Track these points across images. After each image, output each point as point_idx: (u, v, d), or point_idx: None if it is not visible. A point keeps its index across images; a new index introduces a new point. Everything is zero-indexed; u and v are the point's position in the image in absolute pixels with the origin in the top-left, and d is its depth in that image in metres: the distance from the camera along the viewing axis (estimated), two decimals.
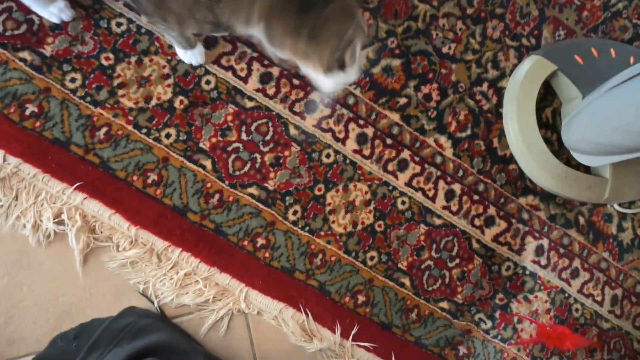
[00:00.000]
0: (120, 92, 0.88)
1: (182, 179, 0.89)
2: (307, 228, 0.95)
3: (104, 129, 0.87)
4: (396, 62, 1.04)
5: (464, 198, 1.05)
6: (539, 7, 1.16)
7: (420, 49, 1.06)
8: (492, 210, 1.06)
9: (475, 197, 1.06)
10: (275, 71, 0.95)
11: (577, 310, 1.08)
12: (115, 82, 0.88)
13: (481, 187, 1.06)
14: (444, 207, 1.03)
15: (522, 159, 1.08)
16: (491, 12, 1.12)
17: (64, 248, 0.84)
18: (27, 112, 0.84)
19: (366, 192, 0.99)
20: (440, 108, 1.06)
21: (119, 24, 0.89)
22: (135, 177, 0.87)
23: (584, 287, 1.09)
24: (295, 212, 0.94)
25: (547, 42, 1.16)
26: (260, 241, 0.92)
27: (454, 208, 1.04)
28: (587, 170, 1.12)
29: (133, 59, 0.89)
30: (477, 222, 1.05)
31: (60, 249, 0.84)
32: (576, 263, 1.10)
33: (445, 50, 1.08)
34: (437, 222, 1.03)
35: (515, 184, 1.09)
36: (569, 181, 1.09)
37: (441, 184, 1.04)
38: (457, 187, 1.05)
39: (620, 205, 1.14)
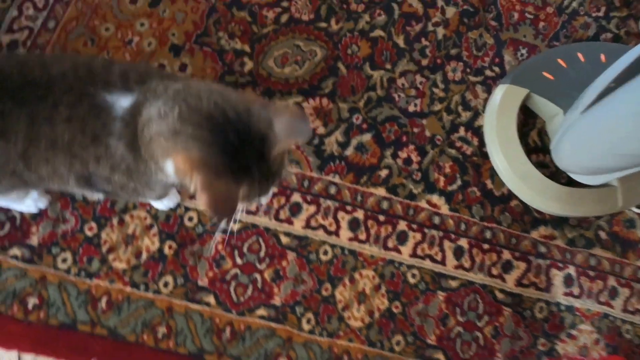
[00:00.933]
0: (111, 256, 0.90)
1: (190, 323, 0.90)
2: (324, 333, 0.93)
3: (104, 299, 0.88)
4: (367, 137, 1.04)
5: (474, 251, 1.02)
6: (492, 34, 1.14)
7: (386, 115, 1.05)
8: (506, 254, 1.03)
9: (486, 246, 1.02)
10: None
11: (627, 331, 1.02)
12: (104, 249, 0.90)
13: (488, 234, 1.03)
14: (457, 267, 1.00)
15: (520, 192, 1.05)
16: (446, 55, 1.11)
17: None
18: (30, 306, 0.86)
19: (373, 277, 0.97)
20: (424, 168, 1.04)
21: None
22: (145, 336, 0.88)
23: (627, 304, 1.03)
24: (308, 321, 0.93)
25: (512, 66, 1.13)
26: None
27: (467, 264, 1.01)
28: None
29: (115, 221, 0.92)
30: (494, 271, 1.01)
31: None
32: (611, 281, 1.04)
33: (411, 108, 1.07)
34: (454, 284, 0.99)
35: (522, 220, 1.05)
36: (575, 200, 1.05)
37: (447, 244, 1.01)
38: (464, 242, 1.02)
39: (638, 207, 1.09)
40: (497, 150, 1.05)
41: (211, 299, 0.91)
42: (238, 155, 0.57)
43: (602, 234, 1.06)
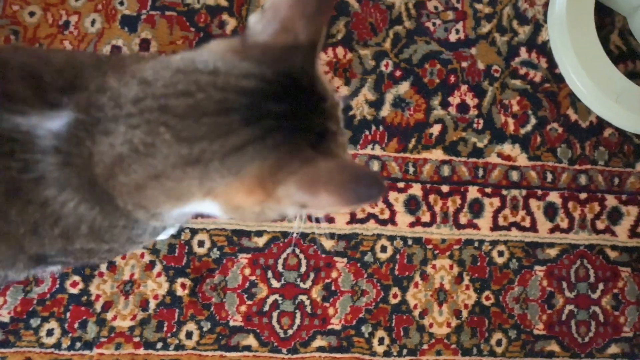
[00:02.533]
0: (110, 314, 0.68)
1: None
2: (404, 351, 0.72)
3: None
4: (404, 87, 0.78)
5: (570, 205, 0.78)
6: None
7: (423, 53, 0.79)
8: (611, 201, 0.79)
9: (583, 196, 0.79)
10: None
11: None
12: (98, 307, 0.68)
13: (584, 180, 0.79)
14: (552, 230, 0.77)
15: (615, 116, 0.80)
16: None
17: None
18: None
19: (451, 266, 0.75)
20: (485, 112, 0.79)
21: None
22: None
23: None
24: (381, 340, 0.72)
25: None
26: None
27: (564, 224, 0.78)
28: None
29: (103, 267, 0.69)
30: (600, 225, 0.78)
31: None
32: None
33: (453, 37, 0.81)
34: (553, 253, 0.77)
35: (622, 152, 0.81)
36: None
37: (534, 203, 0.77)
38: (555, 197, 0.78)
39: None
40: (575, 68, 0.79)
41: (252, 341, 0.70)
42: (294, 116, 0.35)
43: None
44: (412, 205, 0.75)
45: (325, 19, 0.37)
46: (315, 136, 0.35)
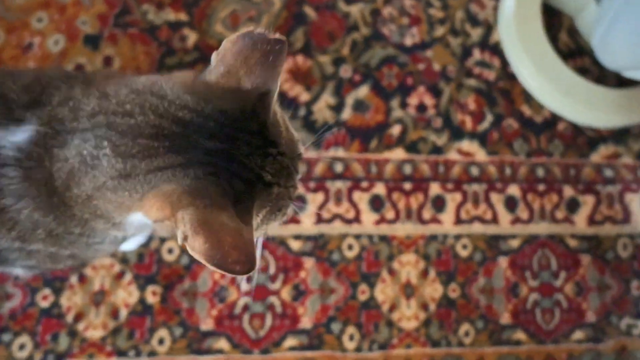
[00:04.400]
0: (81, 325, 0.69)
1: None
2: (375, 346, 0.73)
3: None
4: (363, 90, 0.81)
5: (529, 196, 0.81)
6: None
7: (380, 57, 0.83)
8: (568, 191, 0.82)
9: (541, 188, 0.82)
10: None
11: None
12: (69, 319, 0.69)
13: (541, 172, 0.82)
14: (513, 222, 0.80)
15: (567, 110, 0.84)
16: None
17: None
18: None
19: (417, 261, 0.77)
20: (442, 110, 0.82)
21: None
22: None
23: None
24: (352, 337, 0.73)
25: None
26: None
27: (525, 215, 0.80)
28: None
29: (73, 280, 0.70)
30: (559, 215, 0.81)
31: None
32: None
33: (409, 41, 0.84)
34: (515, 244, 0.79)
35: (576, 144, 0.84)
36: (635, 104, 0.84)
37: (494, 197, 0.80)
38: (514, 190, 0.81)
39: None
40: (526, 66, 0.83)
41: (223, 344, 0.71)
42: (228, 157, 0.36)
43: None
44: (376, 203, 0.78)
45: (273, 73, 0.37)
46: (242, 182, 0.36)
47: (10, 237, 0.40)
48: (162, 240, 0.72)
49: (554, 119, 0.84)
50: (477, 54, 0.85)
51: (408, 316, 0.75)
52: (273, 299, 0.73)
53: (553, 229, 0.80)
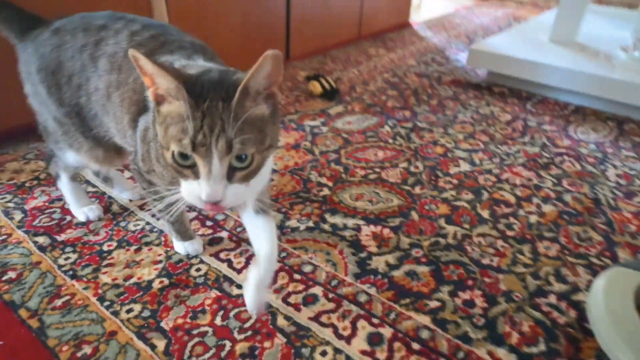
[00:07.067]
0: (104, 269, 0.83)
1: (119, 358, 0.67)
2: None
3: (64, 298, 0.77)
4: (423, 269, 0.88)
5: None
6: (601, 233, 0.99)
7: (452, 259, 0.91)
8: None
9: None
10: (281, 277, 0.85)
11: None
12: (104, 263, 0.85)
13: None
14: None
15: None
16: (538, 235, 0.98)
17: None
18: (5, 278, 0.80)
19: None
20: (490, 316, 0.78)
21: (136, 224, 0.95)
22: (65, 348, 0.68)
23: None
24: None
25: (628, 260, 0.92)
26: None
27: None
28: None
29: (133, 248, 0.89)
30: None
31: None
32: None
33: (485, 262, 0.90)
34: None
35: None
36: None
37: None
38: None
39: None
40: (616, 342, 0.73)
41: (161, 344, 0.70)
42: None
43: None
44: (374, 339, 0.73)
45: None
46: None
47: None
48: (201, 261, 0.86)
49: None
50: (552, 298, 0.82)
51: None
52: (227, 343, 0.71)
53: None
